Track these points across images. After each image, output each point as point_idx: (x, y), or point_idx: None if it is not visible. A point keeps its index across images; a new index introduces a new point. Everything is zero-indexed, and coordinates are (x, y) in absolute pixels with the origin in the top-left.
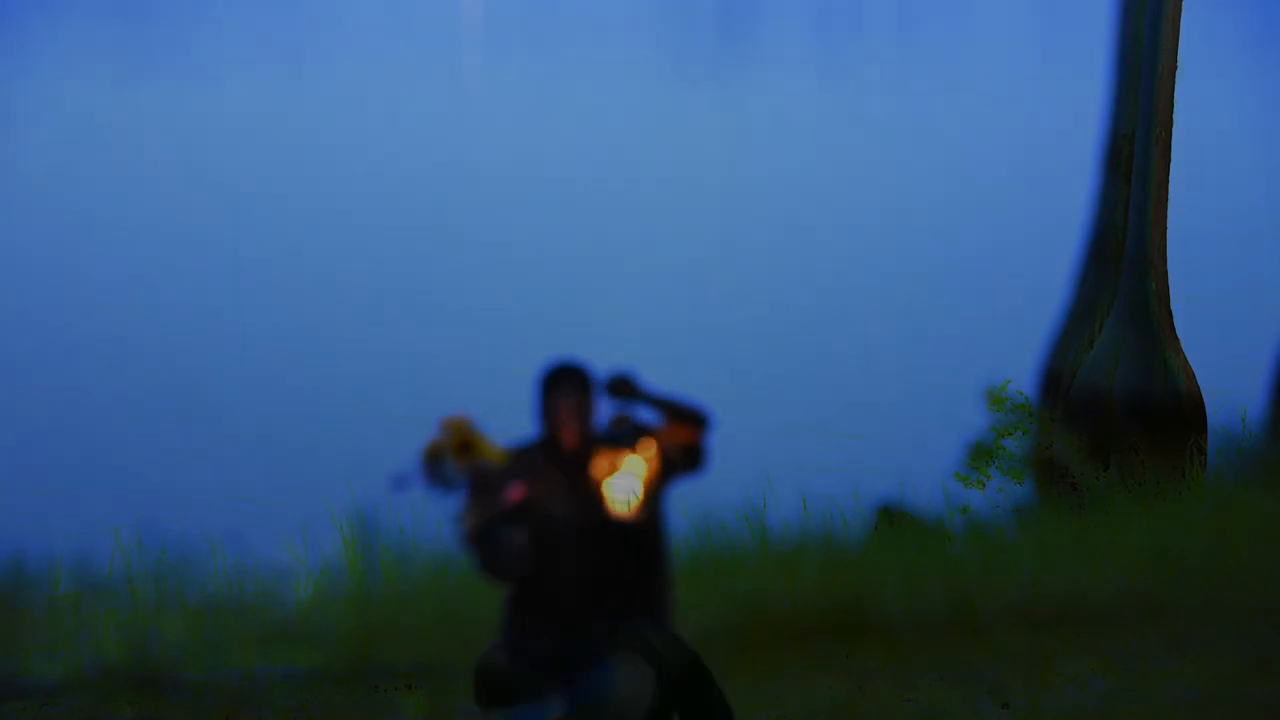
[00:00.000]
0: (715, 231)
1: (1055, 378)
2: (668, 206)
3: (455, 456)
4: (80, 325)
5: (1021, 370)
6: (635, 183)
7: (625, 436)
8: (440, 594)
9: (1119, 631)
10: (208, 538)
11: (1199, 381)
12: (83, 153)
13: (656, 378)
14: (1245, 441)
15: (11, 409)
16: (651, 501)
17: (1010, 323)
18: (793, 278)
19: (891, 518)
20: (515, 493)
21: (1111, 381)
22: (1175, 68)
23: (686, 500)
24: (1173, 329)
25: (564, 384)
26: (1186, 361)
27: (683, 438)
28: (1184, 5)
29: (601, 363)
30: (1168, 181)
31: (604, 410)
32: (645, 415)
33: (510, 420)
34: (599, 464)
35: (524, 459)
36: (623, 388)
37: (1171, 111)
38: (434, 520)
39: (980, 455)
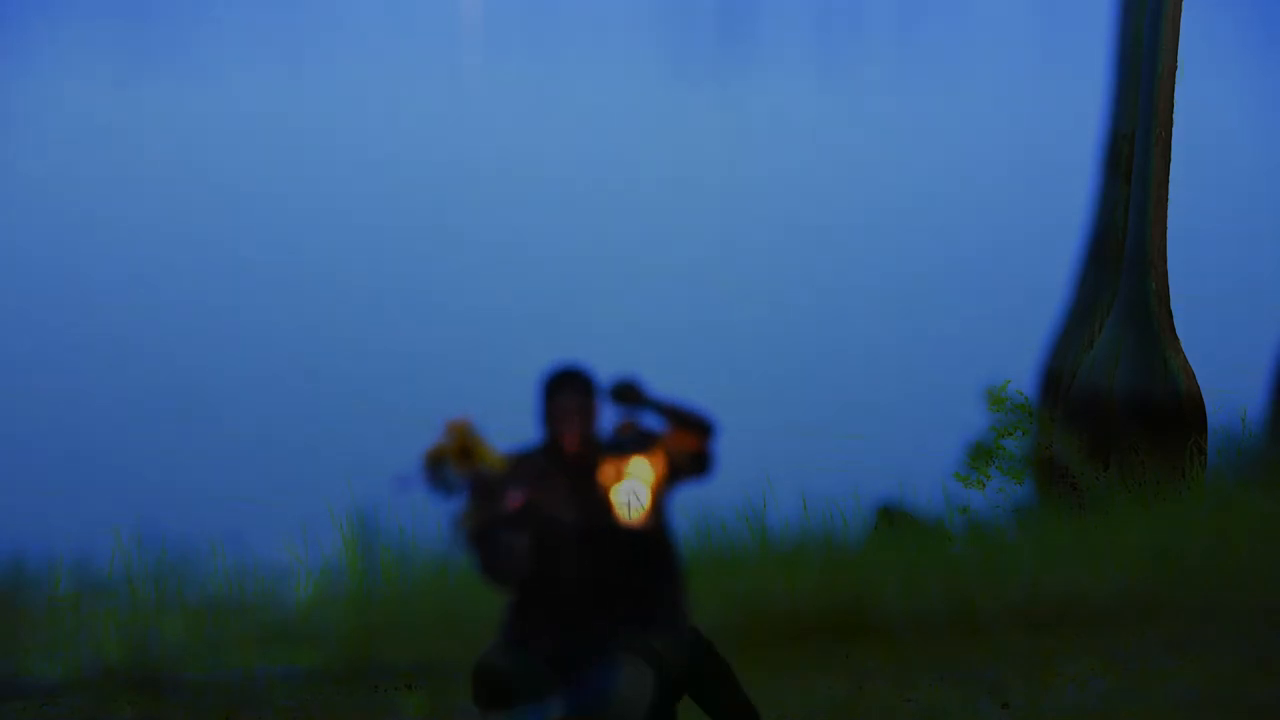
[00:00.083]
0: (715, 231)
1: (1055, 378)
2: (668, 206)
3: (456, 461)
4: (80, 325)
5: (1021, 370)
6: (635, 183)
7: (630, 442)
8: (440, 594)
9: (1119, 631)
10: (208, 538)
11: (1199, 381)
12: (83, 153)
13: (656, 377)
14: (1245, 441)
15: (11, 409)
16: (658, 507)
17: (1010, 323)
18: (793, 277)
19: (891, 518)
20: (516, 498)
21: (1111, 381)
22: (1175, 68)
23: (686, 500)
24: (1173, 329)
25: (566, 387)
26: (1186, 361)
27: (688, 444)
28: (1184, 5)
29: (601, 362)
30: (1168, 181)
31: (608, 416)
32: (650, 421)
33: (511, 420)
34: (605, 470)
35: (525, 463)
36: (627, 393)
37: (1171, 111)
38: (434, 520)
39: (980, 455)
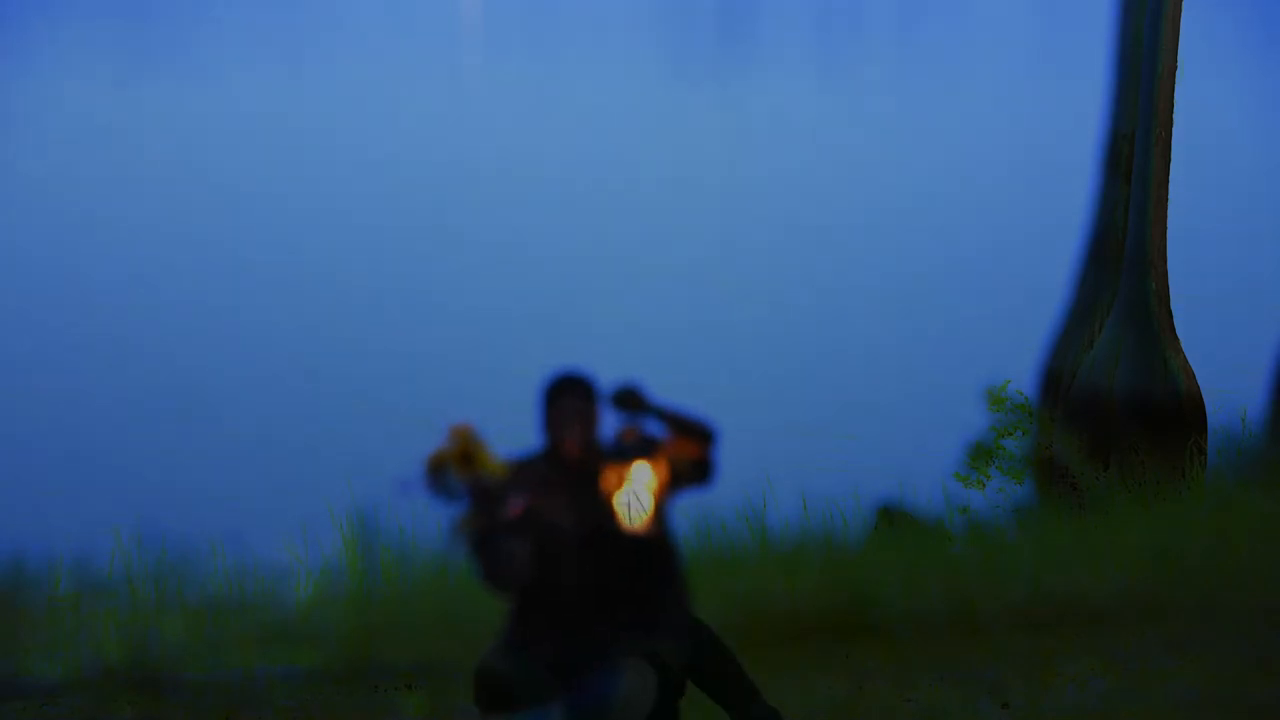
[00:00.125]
0: (715, 231)
1: (1055, 378)
2: (667, 206)
3: (457, 467)
4: (80, 325)
5: (1021, 370)
6: (635, 182)
7: (632, 448)
8: (440, 594)
9: (1119, 631)
10: (208, 538)
11: (1199, 381)
12: (83, 152)
13: (657, 377)
14: (1245, 441)
15: (11, 409)
16: (660, 513)
17: (1010, 323)
18: (792, 277)
19: (891, 518)
20: (517, 505)
21: (1111, 381)
22: (1175, 68)
23: (686, 501)
24: (1173, 329)
25: (567, 394)
26: (1186, 361)
27: (689, 452)
28: (1184, 5)
29: (601, 362)
30: (1168, 181)
31: (610, 422)
32: (652, 428)
33: (510, 421)
34: (608, 476)
35: (526, 470)
36: (629, 400)
37: (1171, 111)
38: (434, 520)
39: (980, 455)
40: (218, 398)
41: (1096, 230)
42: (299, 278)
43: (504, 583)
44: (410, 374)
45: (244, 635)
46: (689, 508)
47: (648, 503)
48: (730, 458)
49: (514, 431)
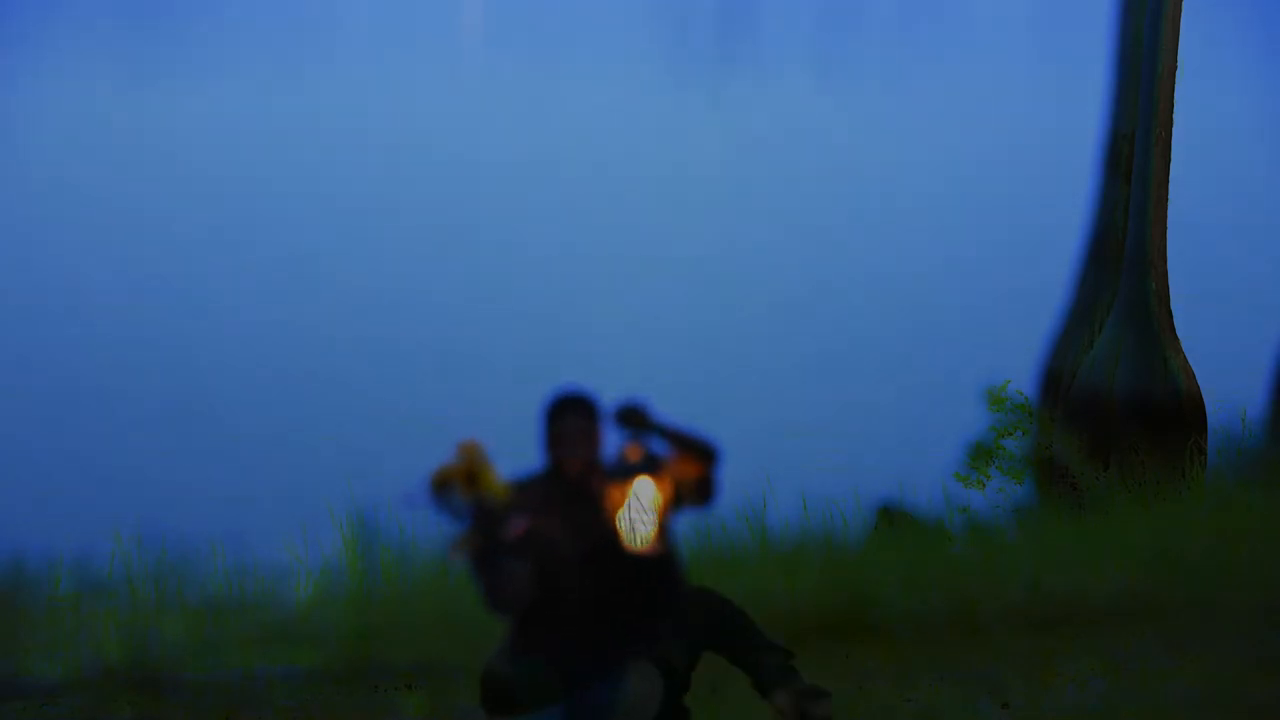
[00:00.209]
0: (714, 231)
1: (1055, 378)
2: (667, 206)
3: (461, 486)
4: (80, 325)
5: (1021, 370)
6: (634, 182)
7: (635, 466)
8: (440, 594)
9: (1119, 631)
10: (208, 538)
11: (1199, 381)
12: (83, 153)
13: (656, 377)
14: (1245, 441)
15: (11, 409)
16: (663, 531)
17: (1010, 323)
18: (792, 277)
19: (891, 518)
20: (519, 526)
21: (1111, 381)
22: (1175, 68)
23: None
24: (1173, 329)
25: (569, 413)
26: (1186, 361)
27: (692, 470)
28: (1184, 5)
29: (601, 362)
30: (1168, 181)
31: (613, 440)
32: (655, 445)
33: (510, 421)
34: (610, 495)
35: (529, 491)
36: (632, 417)
37: (1171, 111)
38: (435, 523)
39: (980, 455)
40: (218, 398)
41: (1096, 230)
42: (299, 277)
43: (505, 605)
44: (410, 374)
45: (244, 635)
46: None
47: (650, 520)
48: (730, 458)
49: (514, 433)
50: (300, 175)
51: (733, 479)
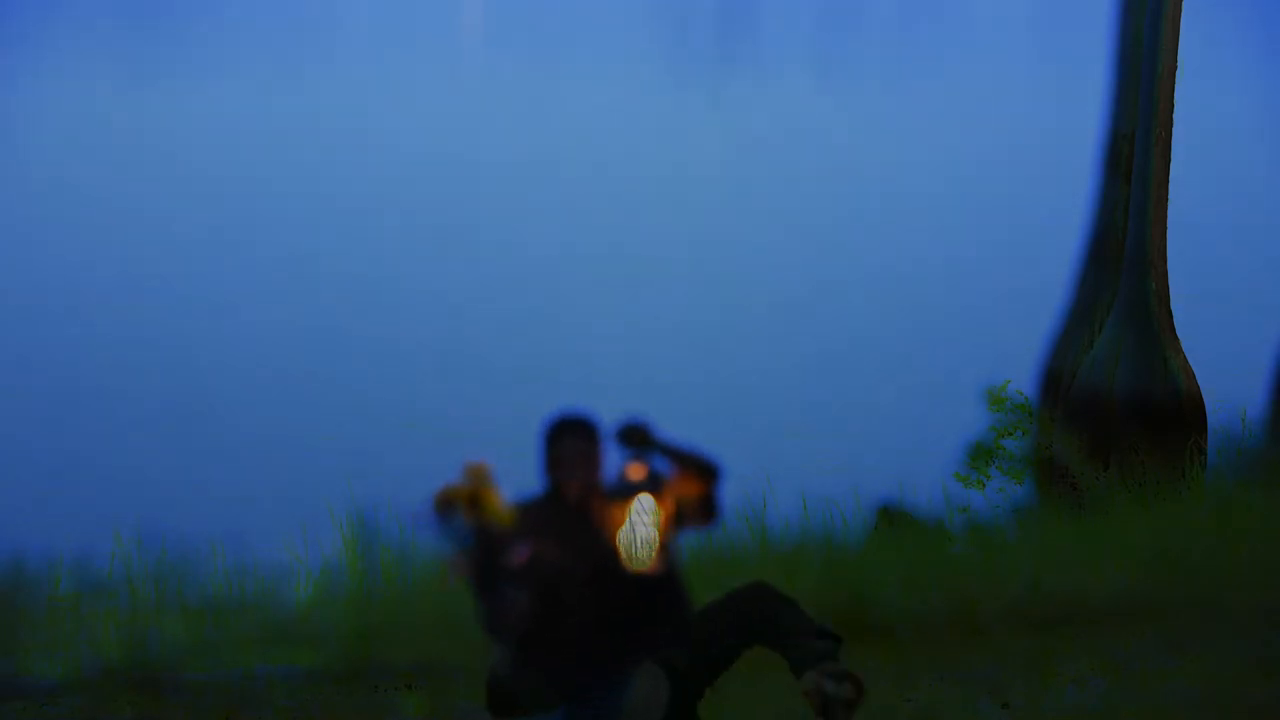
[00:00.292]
0: (714, 231)
1: (1055, 378)
2: (666, 206)
3: (465, 510)
4: (80, 325)
5: (1021, 370)
6: (633, 182)
7: (637, 486)
8: (440, 594)
9: (1119, 631)
10: (208, 538)
11: (1199, 381)
12: (82, 153)
13: (656, 378)
14: (1245, 441)
15: (12, 409)
16: (665, 550)
17: (1010, 323)
18: (792, 277)
19: (891, 518)
20: (520, 552)
21: (1111, 381)
22: (1175, 68)
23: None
24: (1173, 329)
25: (568, 435)
26: (1186, 361)
27: (694, 489)
28: (1184, 5)
29: (600, 362)
30: (1168, 181)
31: (616, 459)
32: (657, 464)
33: (510, 421)
34: (612, 515)
35: (530, 515)
36: (635, 436)
37: (1171, 111)
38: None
39: (980, 455)
40: (218, 398)
41: (1096, 230)
42: (299, 277)
43: (503, 632)
44: (410, 374)
45: (244, 635)
46: None
47: (651, 539)
48: (730, 458)
49: (513, 433)
50: (300, 175)
51: (733, 479)
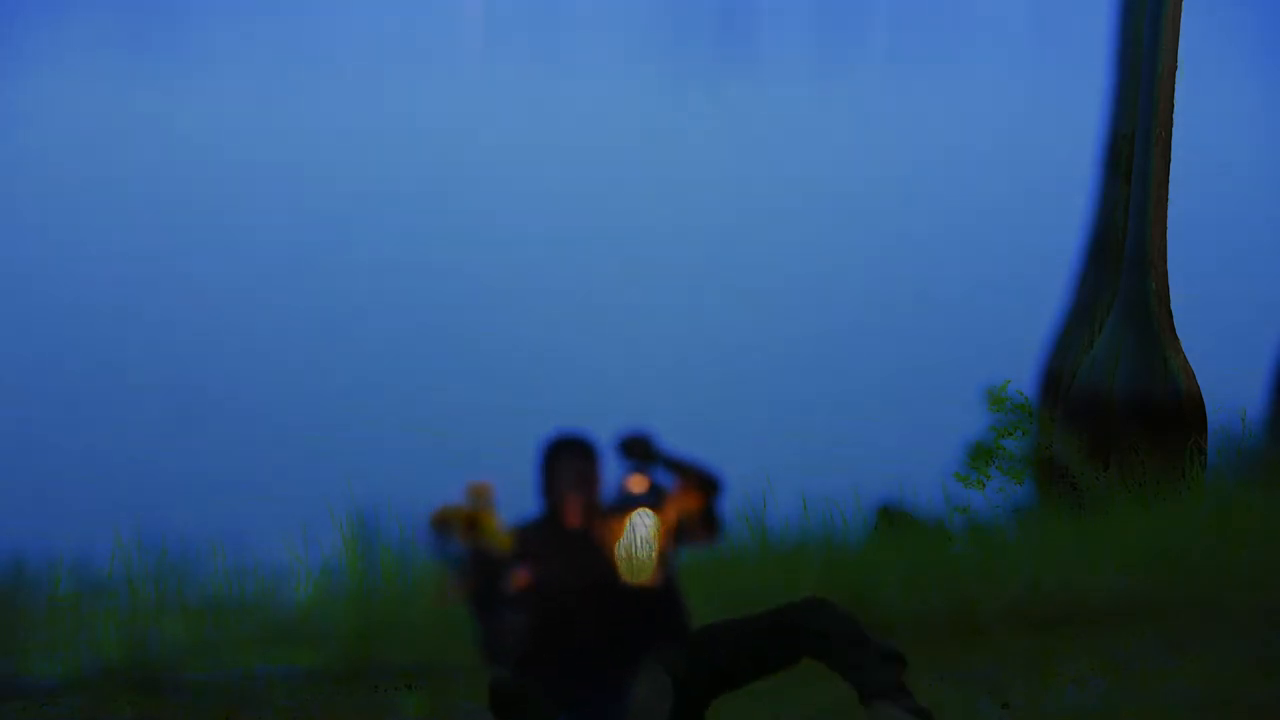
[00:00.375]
0: (714, 231)
1: (1055, 378)
2: (666, 207)
3: (461, 531)
4: (80, 325)
5: (1021, 370)
6: (633, 183)
7: (637, 499)
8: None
9: (1119, 631)
10: (208, 538)
11: (1199, 381)
12: (81, 153)
13: (656, 378)
14: (1245, 441)
15: (11, 409)
16: (665, 564)
17: (1010, 323)
18: (792, 277)
19: (891, 518)
20: (519, 576)
21: (1111, 381)
22: (1175, 68)
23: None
24: (1173, 329)
25: (566, 455)
26: (1186, 361)
27: (695, 502)
28: (1184, 5)
29: (600, 362)
30: (1168, 181)
31: (618, 470)
32: (659, 476)
33: (510, 422)
34: (611, 528)
35: (528, 538)
36: (637, 448)
37: (1171, 111)
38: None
39: (980, 455)
40: (218, 398)
41: (1096, 230)
42: (299, 277)
43: (500, 657)
44: (410, 374)
45: (244, 635)
46: None
47: (650, 552)
48: (730, 458)
49: (513, 433)
50: (302, 174)
51: (733, 479)
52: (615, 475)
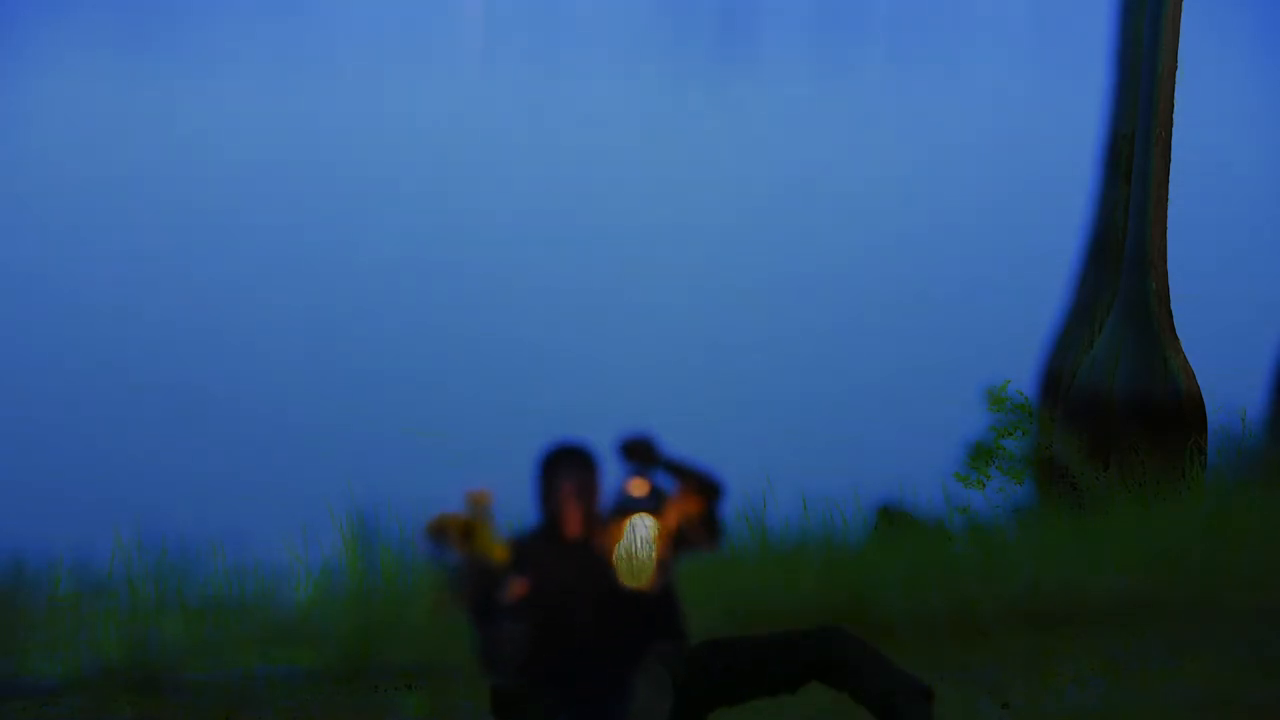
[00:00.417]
0: (715, 231)
1: (1055, 378)
2: (667, 207)
3: (456, 541)
4: (80, 325)
5: (1021, 370)
6: (634, 183)
7: (637, 503)
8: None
9: (1119, 631)
10: (208, 538)
11: (1199, 381)
12: (80, 151)
13: (656, 378)
14: (1245, 441)
15: (12, 409)
16: (664, 569)
17: (1010, 323)
18: (792, 277)
19: (891, 518)
20: (517, 586)
21: (1111, 381)
22: (1175, 68)
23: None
24: (1173, 329)
25: (564, 466)
26: (1186, 361)
27: (696, 508)
28: (1184, 5)
29: (601, 363)
30: (1168, 181)
31: (619, 472)
32: (660, 480)
33: (509, 422)
34: (610, 531)
35: (526, 550)
36: (638, 451)
37: (1171, 111)
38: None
39: (980, 455)
40: (218, 398)
41: (1096, 230)
42: (299, 278)
43: (499, 668)
44: (410, 374)
45: (244, 635)
46: None
47: (649, 557)
48: (731, 458)
49: (513, 434)
50: (299, 175)
51: (733, 479)
52: (616, 477)
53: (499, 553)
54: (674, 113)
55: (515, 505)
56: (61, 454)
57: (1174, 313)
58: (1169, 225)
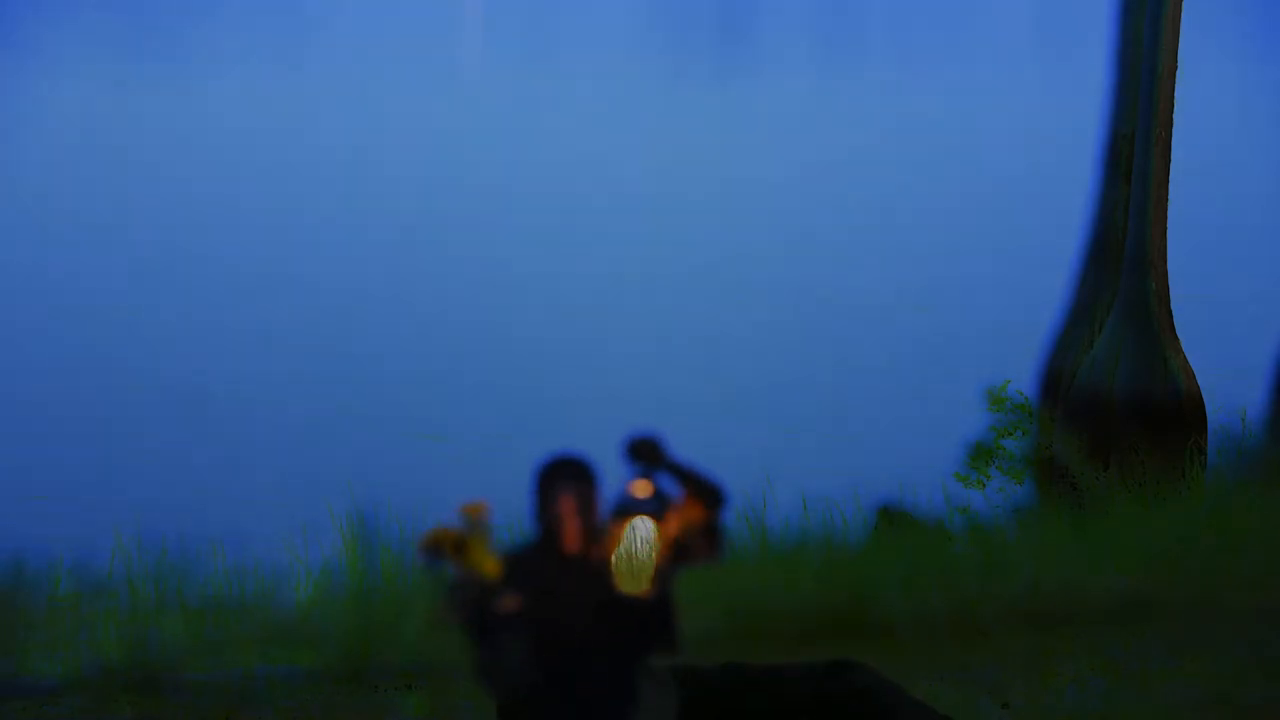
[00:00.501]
0: (715, 232)
1: (1055, 378)
2: (667, 208)
3: (450, 555)
4: (80, 326)
5: (1021, 370)
6: (634, 184)
7: (638, 505)
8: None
9: (1119, 631)
10: (208, 538)
11: (1199, 381)
12: (80, 155)
13: (657, 378)
14: (1245, 441)
15: (12, 410)
16: (663, 578)
17: (1010, 323)
18: (792, 277)
19: (891, 518)
20: (514, 601)
21: (1111, 381)
22: (1175, 68)
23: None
24: (1173, 329)
25: (562, 479)
26: (1186, 361)
27: (697, 514)
28: (1184, 5)
29: (601, 364)
30: (1168, 181)
31: (624, 473)
32: (664, 483)
33: (509, 422)
34: (610, 534)
35: (523, 565)
36: (645, 451)
37: (1171, 111)
38: (435, 521)
39: (980, 455)
40: (218, 399)
41: (1096, 230)
42: (299, 279)
43: (499, 684)
44: (410, 375)
45: (244, 635)
46: None
47: (647, 561)
48: (731, 458)
49: (512, 434)
50: (299, 177)
51: (733, 479)
52: (620, 478)
53: (491, 568)
54: (674, 113)
55: (515, 506)
56: (61, 454)
57: (1174, 313)
58: (1169, 225)
